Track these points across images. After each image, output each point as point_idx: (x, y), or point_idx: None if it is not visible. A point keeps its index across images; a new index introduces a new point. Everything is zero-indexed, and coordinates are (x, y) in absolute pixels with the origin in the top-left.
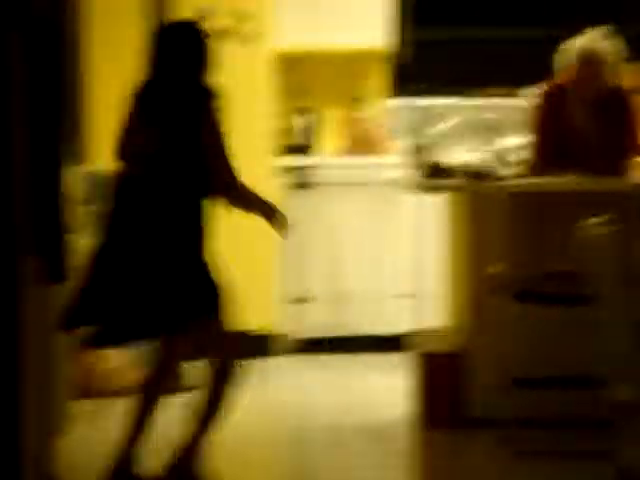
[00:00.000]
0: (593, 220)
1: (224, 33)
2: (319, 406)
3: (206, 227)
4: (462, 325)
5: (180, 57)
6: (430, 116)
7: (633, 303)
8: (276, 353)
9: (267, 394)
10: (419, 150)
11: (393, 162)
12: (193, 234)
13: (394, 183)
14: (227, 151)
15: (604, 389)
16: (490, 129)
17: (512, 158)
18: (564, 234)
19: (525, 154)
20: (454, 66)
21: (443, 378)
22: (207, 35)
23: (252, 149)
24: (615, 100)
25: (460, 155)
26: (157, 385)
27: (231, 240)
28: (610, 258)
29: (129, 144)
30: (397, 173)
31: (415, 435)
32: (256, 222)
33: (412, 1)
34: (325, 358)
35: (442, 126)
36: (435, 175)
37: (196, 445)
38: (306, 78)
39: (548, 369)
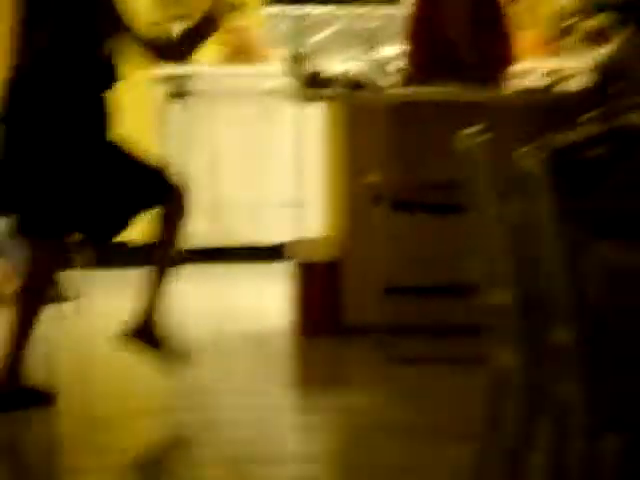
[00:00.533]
0: (469, 130)
1: None
2: (201, 313)
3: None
4: (340, 234)
5: None
6: (308, 25)
7: (505, 212)
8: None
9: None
10: (297, 59)
11: (272, 71)
12: (95, 126)
13: (274, 92)
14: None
15: (476, 296)
16: (369, 38)
17: (390, 68)
18: (440, 144)
19: (401, 63)
20: None
21: (320, 286)
22: None
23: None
24: (485, 6)
25: (338, 64)
26: (37, 293)
27: None
28: (484, 167)
29: (23, 44)
30: (276, 82)
31: (293, 341)
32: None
33: None
34: (207, 267)
35: (320, 35)
36: (313, 84)
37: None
38: None
39: (423, 277)
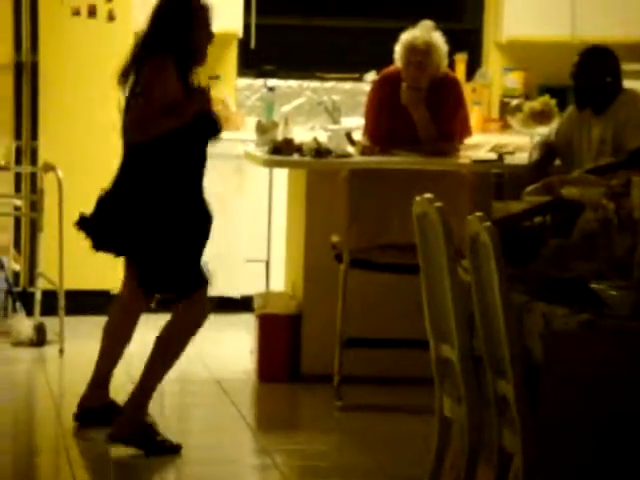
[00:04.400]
0: (424, 196)
1: (90, 12)
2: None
3: None
4: (302, 289)
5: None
6: (278, 96)
7: (455, 273)
8: None
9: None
10: (266, 128)
11: (245, 137)
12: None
13: (246, 157)
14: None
15: (427, 349)
16: (333, 110)
17: (353, 138)
18: (398, 209)
19: (362, 134)
20: (302, 51)
21: (281, 337)
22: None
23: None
24: (443, 88)
25: (304, 134)
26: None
27: (91, 202)
28: (437, 231)
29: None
30: (248, 148)
31: (254, 387)
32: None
33: None
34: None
35: (288, 106)
36: (280, 152)
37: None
38: None
39: (378, 331)
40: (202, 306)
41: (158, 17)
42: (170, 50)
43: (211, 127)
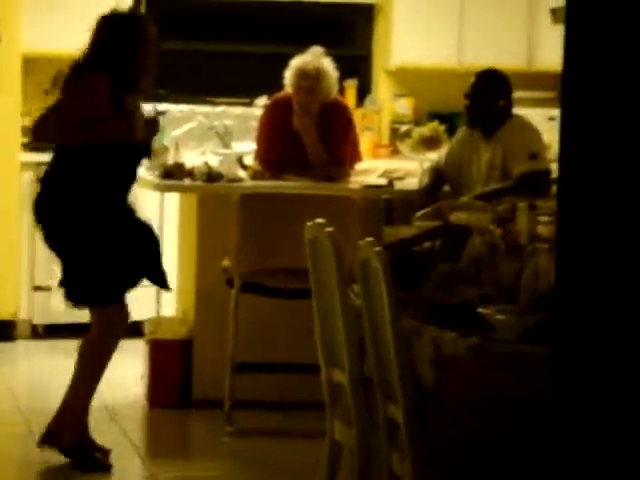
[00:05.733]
0: (315, 221)
1: None
2: (57, 387)
3: None
4: (193, 314)
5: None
6: (169, 120)
7: (346, 297)
8: (20, 338)
9: (7, 377)
10: (157, 152)
11: None
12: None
13: (137, 180)
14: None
15: (319, 373)
16: (224, 135)
17: (244, 162)
18: (289, 233)
19: (253, 159)
20: (193, 75)
21: (172, 362)
22: None
23: (2, 145)
24: (333, 113)
25: (196, 158)
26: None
27: None
28: (328, 255)
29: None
30: (139, 171)
31: (144, 412)
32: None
33: (150, 14)
34: (66, 343)
35: (180, 130)
36: (171, 176)
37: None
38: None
39: (270, 356)
40: (118, 316)
41: (105, 36)
42: (109, 71)
43: (145, 152)
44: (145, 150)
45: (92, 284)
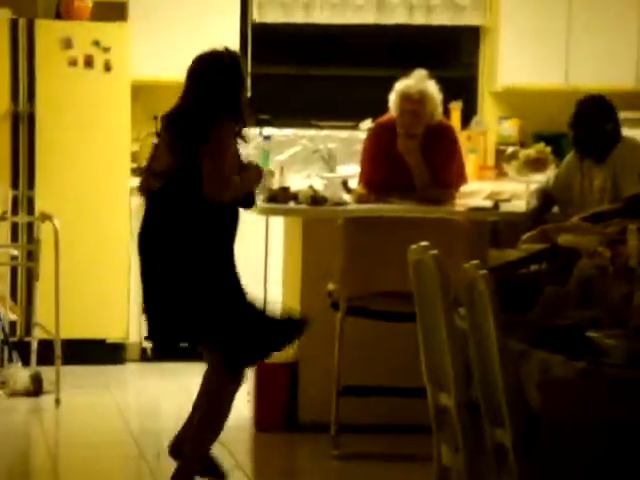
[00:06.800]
0: (420, 244)
1: (86, 62)
2: (161, 410)
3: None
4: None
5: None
6: (274, 145)
7: (452, 321)
8: (129, 360)
9: (117, 399)
10: (265, 176)
11: None
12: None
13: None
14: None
15: (425, 397)
16: (329, 158)
17: (349, 185)
18: (394, 256)
19: (357, 182)
20: (297, 99)
21: (278, 386)
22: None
23: (112, 170)
24: (438, 135)
25: (300, 182)
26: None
27: (87, 252)
28: (433, 279)
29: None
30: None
31: (251, 438)
32: (108, 235)
33: (256, 39)
34: (174, 366)
35: (285, 154)
36: (275, 200)
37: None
38: (159, 106)
39: (375, 379)
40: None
41: (210, 80)
42: (232, 116)
43: (250, 199)
44: (251, 198)
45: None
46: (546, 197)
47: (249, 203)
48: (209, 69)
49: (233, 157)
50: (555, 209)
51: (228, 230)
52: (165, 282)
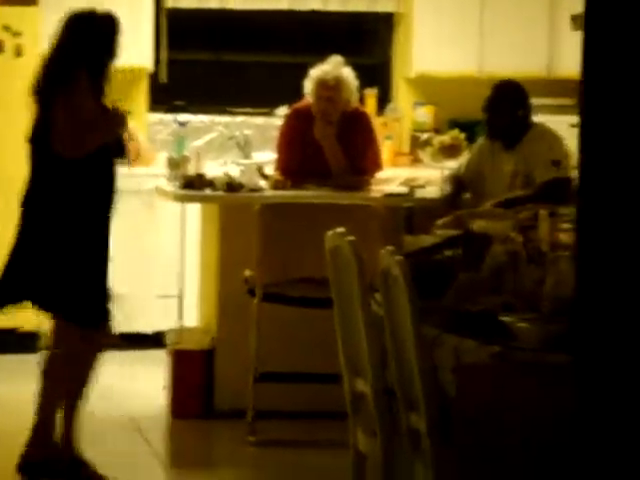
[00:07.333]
0: (335, 231)
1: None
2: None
3: None
4: (215, 324)
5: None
6: (189, 131)
7: (368, 306)
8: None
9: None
10: (178, 163)
11: (156, 172)
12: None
13: (157, 192)
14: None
15: (342, 383)
16: (244, 145)
17: (265, 172)
18: (310, 243)
19: (273, 168)
20: (213, 86)
21: (195, 373)
22: None
23: (24, 154)
24: (354, 122)
25: (216, 168)
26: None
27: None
28: (349, 264)
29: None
30: (160, 183)
31: (167, 425)
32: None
33: (170, 25)
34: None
35: (200, 141)
36: (191, 186)
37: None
38: None
39: (292, 365)
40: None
41: (74, 33)
42: (84, 67)
43: (120, 148)
44: (121, 147)
45: (88, 302)
46: (458, 183)
47: (119, 152)
48: (77, 25)
49: (90, 112)
50: (467, 195)
51: (100, 185)
52: (28, 239)
